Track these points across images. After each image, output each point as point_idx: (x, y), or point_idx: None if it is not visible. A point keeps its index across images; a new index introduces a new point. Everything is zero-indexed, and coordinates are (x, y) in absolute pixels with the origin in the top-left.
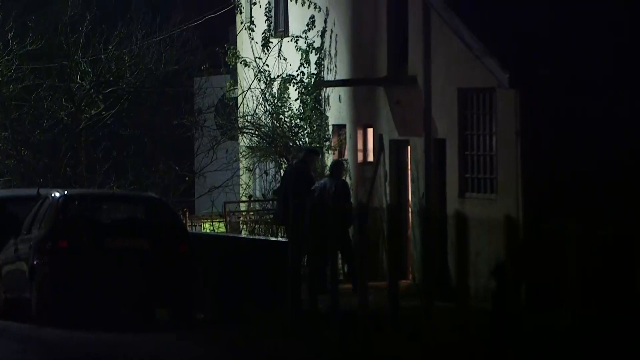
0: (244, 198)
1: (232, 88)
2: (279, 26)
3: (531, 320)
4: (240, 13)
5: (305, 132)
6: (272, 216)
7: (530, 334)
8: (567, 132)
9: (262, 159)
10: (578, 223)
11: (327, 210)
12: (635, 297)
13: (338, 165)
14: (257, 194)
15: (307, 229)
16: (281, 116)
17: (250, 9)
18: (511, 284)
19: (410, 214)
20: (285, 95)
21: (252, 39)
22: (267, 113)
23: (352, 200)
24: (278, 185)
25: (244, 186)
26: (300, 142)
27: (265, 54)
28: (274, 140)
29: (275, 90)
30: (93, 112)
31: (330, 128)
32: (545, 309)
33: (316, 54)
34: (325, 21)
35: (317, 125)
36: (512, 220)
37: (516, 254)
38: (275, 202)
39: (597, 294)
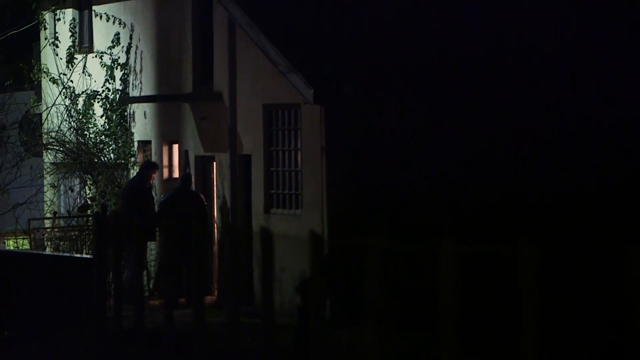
0: (48, 215)
1: (36, 104)
2: (83, 42)
3: (335, 336)
4: (45, 29)
5: (110, 148)
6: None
7: (333, 349)
8: (373, 148)
9: (67, 176)
10: (381, 238)
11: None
12: (438, 312)
13: (187, 177)
14: (62, 210)
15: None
16: (86, 132)
17: (55, 25)
18: (315, 300)
19: (215, 230)
20: (90, 112)
21: (57, 55)
22: (72, 129)
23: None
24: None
25: (49, 203)
26: (106, 159)
27: (70, 70)
28: (78, 157)
29: (80, 106)
30: None
31: (136, 144)
32: (349, 324)
33: (121, 70)
34: (131, 37)
35: (122, 142)
36: (316, 236)
37: (321, 269)
38: (79, 219)
39: (400, 310)
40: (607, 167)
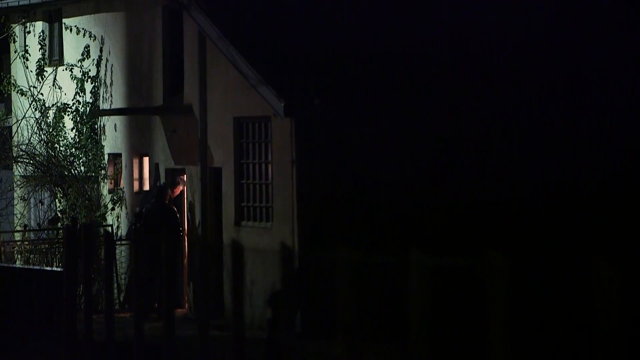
0: (18, 227)
1: (6, 117)
2: (53, 55)
3: (306, 348)
4: (14, 42)
5: (80, 161)
6: None
7: None
8: (343, 161)
9: (37, 188)
10: (351, 251)
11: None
12: (408, 324)
13: (163, 189)
14: (32, 223)
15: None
16: (56, 145)
17: (25, 38)
18: (286, 313)
19: (186, 243)
20: (61, 124)
21: (27, 67)
22: (42, 142)
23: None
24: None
25: (19, 216)
26: (76, 171)
27: (40, 82)
28: (49, 170)
29: (50, 119)
30: None
31: (106, 157)
32: (320, 337)
33: (92, 83)
34: (101, 50)
35: (92, 154)
36: (287, 248)
37: (291, 282)
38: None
39: (371, 322)
40: (581, 176)
